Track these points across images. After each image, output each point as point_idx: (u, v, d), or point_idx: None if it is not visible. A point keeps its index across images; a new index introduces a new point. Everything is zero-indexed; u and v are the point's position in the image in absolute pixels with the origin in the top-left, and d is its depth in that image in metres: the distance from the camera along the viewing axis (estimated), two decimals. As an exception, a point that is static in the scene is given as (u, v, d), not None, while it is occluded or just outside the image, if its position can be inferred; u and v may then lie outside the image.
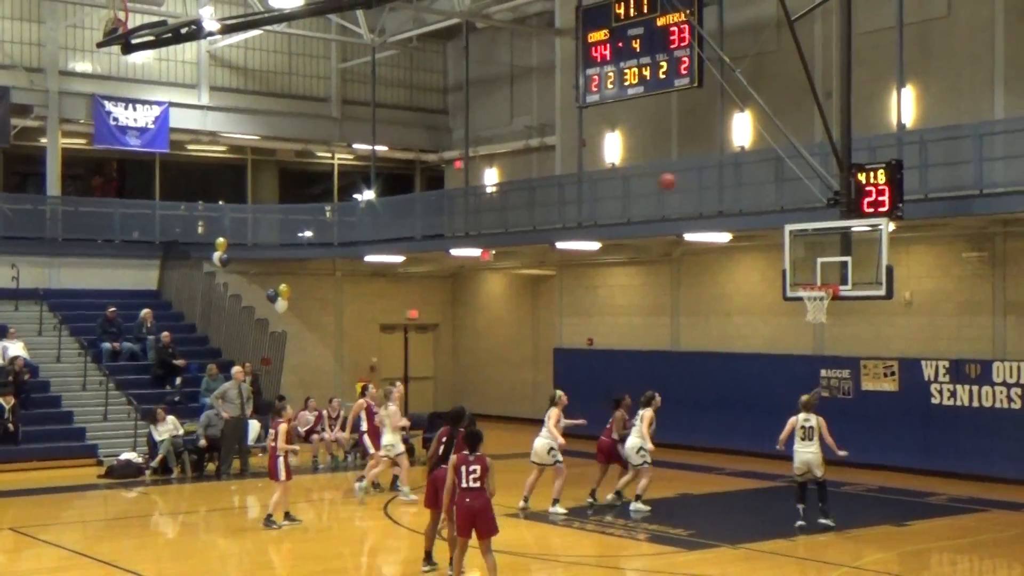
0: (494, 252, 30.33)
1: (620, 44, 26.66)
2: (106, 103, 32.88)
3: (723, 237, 25.40)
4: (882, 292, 17.53)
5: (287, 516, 18.24)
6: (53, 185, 32.62)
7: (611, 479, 20.19)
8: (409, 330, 37.21)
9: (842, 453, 17.89)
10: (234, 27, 23.65)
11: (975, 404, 22.63)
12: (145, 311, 29.67)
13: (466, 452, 13.14)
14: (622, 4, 26.62)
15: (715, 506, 20.71)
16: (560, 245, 27.69)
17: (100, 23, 25.96)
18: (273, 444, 18.22)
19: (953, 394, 22.98)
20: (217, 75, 35.61)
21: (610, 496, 20.00)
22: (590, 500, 19.88)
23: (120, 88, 33.54)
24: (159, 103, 33.70)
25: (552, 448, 19.17)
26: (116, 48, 20.55)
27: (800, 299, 18.43)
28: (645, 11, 26.12)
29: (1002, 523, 18.85)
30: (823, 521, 17.80)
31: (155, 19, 25.32)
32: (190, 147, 36.14)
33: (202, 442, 24.21)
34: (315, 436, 25.74)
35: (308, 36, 36.13)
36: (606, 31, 27.02)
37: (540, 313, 34.76)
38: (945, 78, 23.90)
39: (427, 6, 33.89)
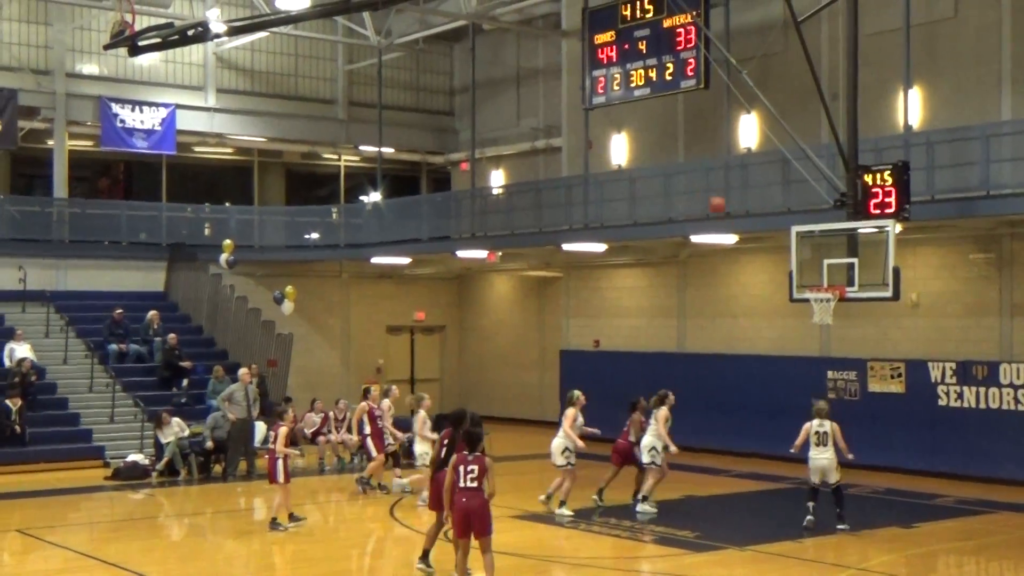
0: (500, 254, 30.33)
1: (626, 46, 26.66)
2: (113, 105, 32.93)
3: (729, 239, 25.38)
4: (889, 294, 17.50)
5: (291, 517, 18.26)
6: (60, 187, 32.67)
7: (623, 481, 20.19)
8: (415, 332, 37.23)
9: (849, 456, 17.87)
10: (241, 29, 23.68)
11: (982, 406, 22.60)
12: (152, 313, 29.70)
13: (465, 452, 13.16)
14: (628, 6, 26.64)
15: (721, 508, 20.69)
16: (566, 247, 27.69)
17: (107, 25, 25.96)
18: (273, 447, 18.23)
19: (960, 396, 22.95)
20: (224, 77, 35.66)
21: (594, 496, 20.02)
22: (595, 499, 19.90)
23: (127, 90, 33.59)
24: (166, 105, 33.74)
25: (567, 449, 19.13)
26: (123, 50, 20.55)
27: (807, 301, 18.41)
28: (651, 13, 26.14)
29: (1010, 525, 18.81)
30: (840, 527, 17.77)
31: (162, 21, 25.36)
32: (197, 149, 36.18)
33: (208, 444, 24.22)
34: (321, 438, 25.77)
35: (314, 38, 36.16)
36: (612, 33, 27.02)
37: (546, 315, 34.76)
38: (952, 79, 23.87)
39: (434, 8, 33.90)
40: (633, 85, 26.59)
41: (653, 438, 19.39)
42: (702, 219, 24.70)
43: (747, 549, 16.64)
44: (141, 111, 33.33)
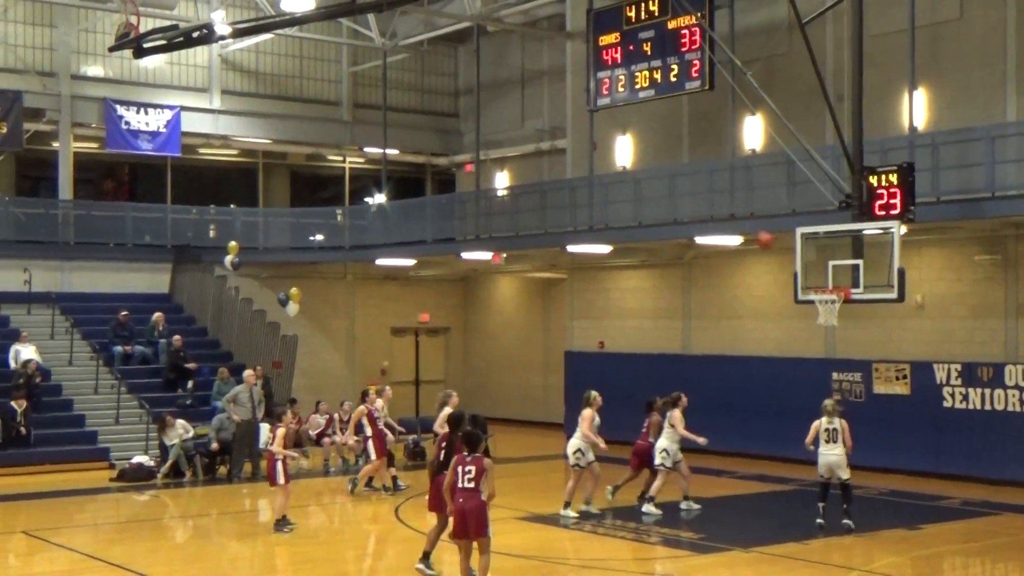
0: (505, 255, 30.33)
1: (631, 47, 26.65)
2: (118, 107, 32.97)
3: (734, 240, 25.36)
4: (894, 295, 17.48)
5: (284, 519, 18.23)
6: (65, 189, 32.70)
7: (639, 482, 20.26)
8: (420, 333, 37.23)
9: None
10: (245, 31, 23.71)
11: (987, 407, 22.57)
12: (157, 315, 29.72)
13: (465, 453, 13.15)
14: (633, 7, 26.62)
15: (726, 509, 20.67)
16: (571, 248, 27.68)
17: (112, 27, 26.06)
18: (271, 449, 18.23)
19: (965, 397, 22.92)
20: (229, 79, 35.68)
21: (609, 488, 20.12)
22: (609, 493, 20.00)
23: (132, 92, 33.62)
24: (171, 107, 33.78)
25: (579, 450, 19.09)
26: (128, 52, 20.58)
27: (811, 302, 18.38)
28: (656, 14, 26.11)
29: (1015, 527, 18.79)
30: (846, 522, 17.82)
31: (167, 23, 25.41)
32: (202, 151, 36.23)
33: (214, 445, 24.24)
34: (326, 439, 25.79)
35: (319, 40, 36.16)
36: (617, 34, 27.00)
37: (551, 316, 34.76)
38: (957, 81, 23.85)
39: (438, 10, 33.91)
40: (638, 86, 26.58)
41: (667, 441, 19.44)
42: (707, 221, 24.70)
43: (752, 551, 16.63)
44: (146, 113, 33.36)
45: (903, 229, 17.63)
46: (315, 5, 26.53)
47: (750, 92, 21.32)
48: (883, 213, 17.85)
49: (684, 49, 25.45)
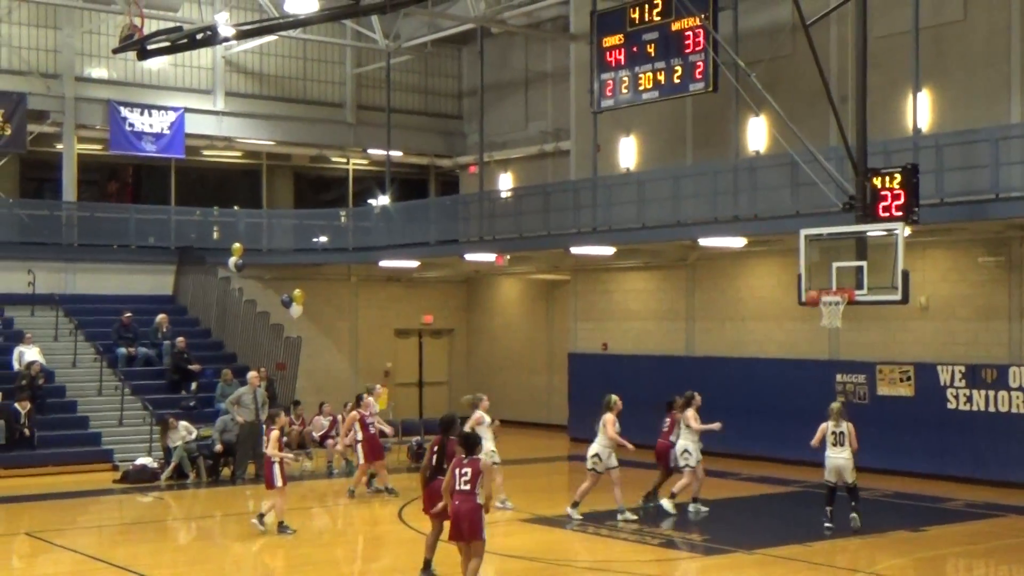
0: (509, 257, 30.32)
1: (635, 49, 26.64)
2: (122, 109, 33.00)
3: (738, 242, 25.34)
4: (898, 297, 17.45)
5: (260, 517, 18.15)
6: (69, 191, 32.73)
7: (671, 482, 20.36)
8: (424, 335, 37.16)
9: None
10: (249, 33, 23.74)
11: (991, 409, 22.54)
12: (160, 316, 29.76)
13: (462, 455, 13.10)
14: (637, 9, 26.60)
15: (730, 511, 20.64)
16: (575, 250, 27.67)
17: (116, 29, 26.04)
18: (266, 452, 18.19)
19: (969, 399, 22.89)
20: (232, 81, 35.70)
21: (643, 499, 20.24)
22: (646, 503, 20.10)
23: (136, 94, 33.65)
24: (174, 109, 33.80)
25: (596, 455, 19.01)
26: (132, 54, 20.60)
27: (815, 304, 18.36)
28: (660, 16, 26.11)
29: (1018, 529, 18.77)
30: (852, 516, 17.85)
31: (171, 25, 25.41)
32: (205, 152, 36.25)
33: (217, 447, 24.24)
34: (330, 441, 25.79)
35: (323, 42, 36.18)
36: (621, 36, 26.98)
37: (555, 318, 34.76)
38: (961, 82, 23.83)
39: (442, 11, 33.92)
40: (641, 88, 26.57)
41: (686, 441, 19.55)
42: (710, 222, 24.68)
43: (755, 552, 16.62)
44: (150, 115, 33.39)
45: (907, 231, 17.60)
46: (319, 7, 26.52)
47: (754, 94, 21.30)
48: (887, 215, 17.82)
49: (688, 51, 25.43)
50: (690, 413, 19.59)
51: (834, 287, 17.91)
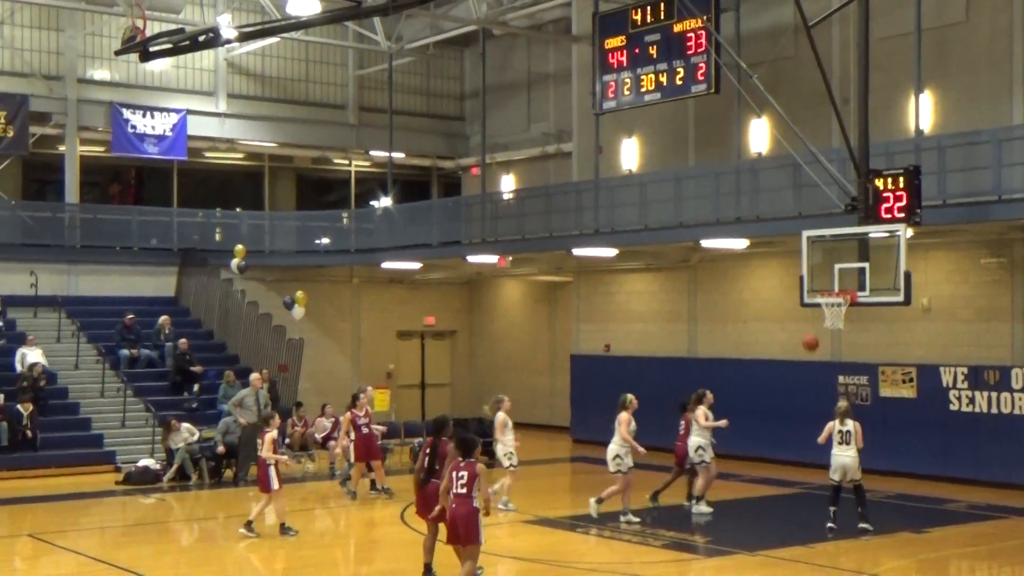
0: (511, 259, 30.33)
1: (637, 50, 26.66)
2: (124, 111, 33.02)
3: (740, 243, 25.34)
4: (900, 298, 17.46)
5: (248, 525, 18.05)
6: (71, 192, 32.74)
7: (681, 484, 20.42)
8: (426, 337, 37.23)
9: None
10: (251, 35, 23.71)
11: (994, 410, 22.53)
12: (163, 318, 29.77)
13: (459, 458, 13.03)
14: (639, 10, 26.64)
15: (732, 513, 20.63)
16: (577, 252, 27.67)
17: (118, 31, 26.02)
18: (260, 455, 18.16)
19: (972, 400, 22.88)
20: (234, 82, 35.72)
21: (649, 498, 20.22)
22: (653, 502, 20.19)
23: (138, 96, 33.68)
24: (177, 110, 33.82)
25: (617, 456, 18.91)
26: (134, 56, 20.60)
27: (818, 305, 18.36)
28: (662, 17, 26.13)
29: (1021, 530, 18.76)
30: (863, 526, 17.85)
31: (173, 27, 25.38)
32: (208, 154, 36.27)
33: (220, 449, 24.24)
34: (332, 443, 25.76)
35: (325, 43, 36.19)
36: (623, 37, 27.00)
37: (557, 319, 34.76)
38: (963, 83, 23.81)
39: (444, 13, 33.92)
40: (643, 90, 26.59)
41: (699, 438, 19.59)
42: (712, 224, 24.68)
43: (758, 554, 16.62)
44: (152, 116, 33.41)
45: (909, 232, 17.62)
46: (321, 9, 26.54)
47: (756, 95, 21.30)
48: (889, 216, 17.84)
49: (690, 52, 25.46)
50: (700, 411, 19.62)
51: (836, 289, 17.92)
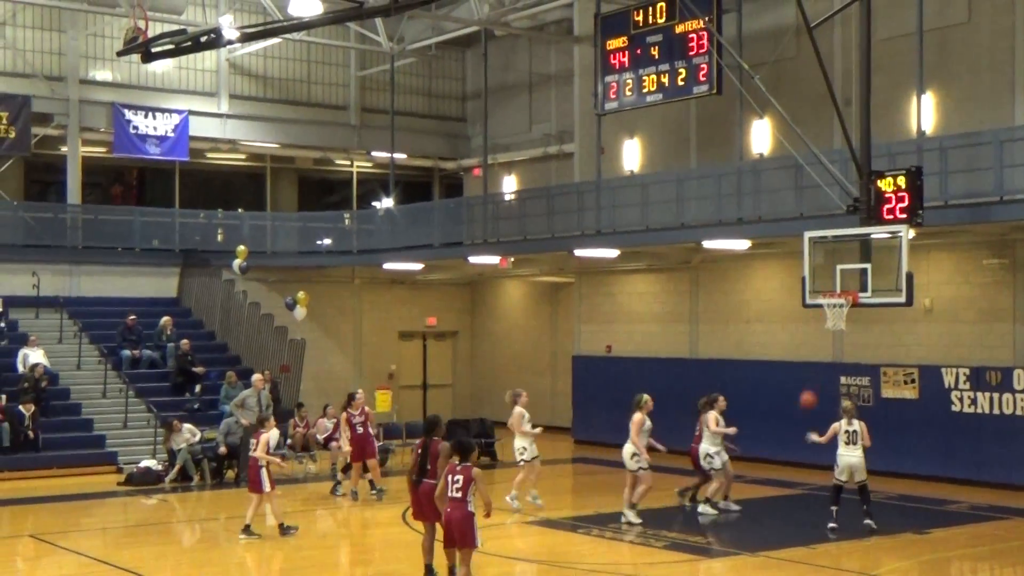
0: (512, 259, 30.33)
1: (639, 51, 26.66)
2: (126, 111, 33.04)
3: (742, 244, 25.33)
4: (902, 299, 17.46)
5: (246, 529, 18.03)
6: (73, 193, 32.76)
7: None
8: (428, 337, 37.24)
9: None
10: (253, 35, 23.72)
11: (996, 411, 22.52)
12: (165, 319, 29.78)
13: (456, 461, 13.01)
14: (640, 11, 26.65)
15: (733, 514, 20.63)
16: (578, 252, 27.67)
17: (120, 32, 26.06)
18: (254, 455, 18.15)
19: (973, 401, 22.87)
20: (236, 83, 35.74)
21: (679, 494, 20.46)
22: (683, 500, 20.39)
23: (140, 96, 33.70)
24: (179, 111, 33.84)
25: (636, 454, 18.84)
26: (136, 57, 20.61)
27: (820, 306, 18.37)
28: (663, 18, 26.14)
29: (1022, 531, 18.74)
30: (867, 522, 17.94)
31: (175, 28, 25.39)
32: (210, 155, 36.28)
33: (222, 449, 24.25)
34: (334, 443, 25.71)
35: (327, 44, 36.21)
36: (624, 38, 27.01)
37: (558, 320, 34.76)
38: (965, 84, 23.81)
39: (446, 14, 33.93)
40: (645, 91, 26.60)
41: (709, 444, 19.68)
42: (714, 225, 24.68)
43: (759, 555, 16.62)
44: (154, 117, 33.43)
45: (911, 233, 17.61)
46: (323, 10, 26.54)
47: (758, 96, 21.29)
48: (891, 217, 17.84)
49: (692, 53, 25.47)
50: (711, 416, 19.66)
51: (838, 289, 17.93)
